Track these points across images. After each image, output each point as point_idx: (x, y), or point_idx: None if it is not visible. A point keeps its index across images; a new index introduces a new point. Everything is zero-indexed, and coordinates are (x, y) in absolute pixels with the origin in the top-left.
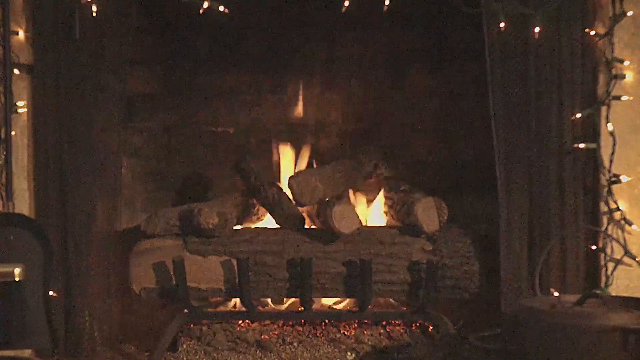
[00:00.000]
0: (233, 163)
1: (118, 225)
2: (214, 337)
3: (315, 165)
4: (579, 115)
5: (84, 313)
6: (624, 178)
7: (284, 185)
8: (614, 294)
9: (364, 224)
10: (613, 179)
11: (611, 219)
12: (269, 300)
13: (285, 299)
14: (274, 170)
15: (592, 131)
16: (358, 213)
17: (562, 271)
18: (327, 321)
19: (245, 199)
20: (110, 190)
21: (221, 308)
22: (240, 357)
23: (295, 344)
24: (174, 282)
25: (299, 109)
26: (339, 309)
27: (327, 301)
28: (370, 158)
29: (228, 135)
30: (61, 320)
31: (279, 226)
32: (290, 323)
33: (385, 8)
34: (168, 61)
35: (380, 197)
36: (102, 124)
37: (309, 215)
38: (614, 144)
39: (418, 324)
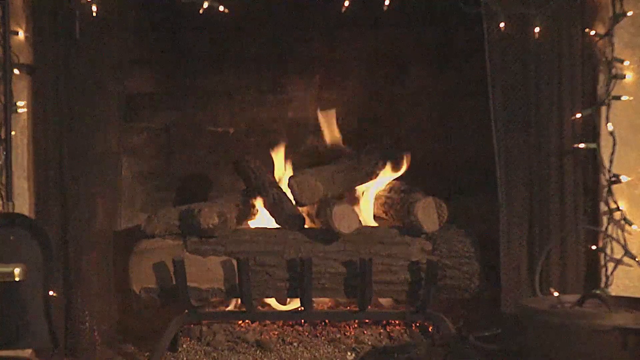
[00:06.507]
0: (233, 163)
1: (118, 225)
2: (214, 337)
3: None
4: (579, 115)
5: (84, 313)
6: (624, 178)
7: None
8: (614, 294)
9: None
10: (613, 179)
11: (611, 219)
12: (272, 300)
13: (288, 300)
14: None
15: (592, 131)
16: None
17: (562, 271)
18: (327, 321)
19: (245, 199)
20: (110, 190)
21: (221, 308)
22: (240, 357)
23: (295, 344)
24: (174, 282)
25: (299, 109)
26: (339, 309)
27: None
28: (370, 158)
29: (228, 135)
30: (61, 320)
31: (279, 226)
32: (290, 323)
33: (385, 7)
34: (168, 61)
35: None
36: (102, 124)
37: (309, 215)
38: (614, 144)
39: (418, 324)
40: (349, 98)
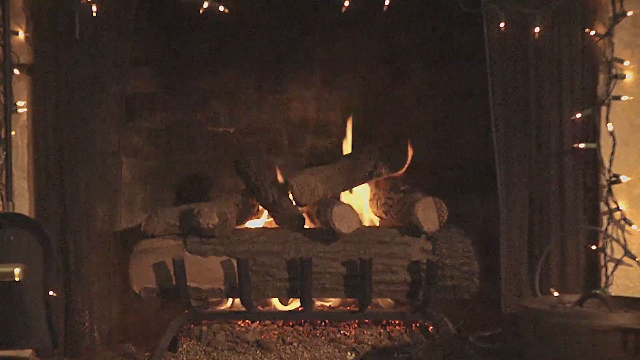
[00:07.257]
0: (233, 163)
1: (118, 225)
2: (214, 337)
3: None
4: (579, 115)
5: (84, 313)
6: (624, 178)
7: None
8: (614, 294)
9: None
10: (613, 179)
11: (611, 219)
12: (275, 300)
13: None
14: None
15: (592, 131)
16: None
17: (562, 271)
18: (327, 321)
19: (245, 199)
20: (110, 190)
21: (221, 308)
22: (240, 357)
23: (295, 344)
24: (174, 282)
25: (299, 109)
26: (339, 309)
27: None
28: (370, 158)
29: (228, 135)
30: (61, 320)
31: (279, 226)
32: (290, 323)
33: (385, 7)
34: (168, 61)
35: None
36: (101, 124)
37: (309, 215)
38: (614, 144)
39: (418, 324)
40: (348, 98)
